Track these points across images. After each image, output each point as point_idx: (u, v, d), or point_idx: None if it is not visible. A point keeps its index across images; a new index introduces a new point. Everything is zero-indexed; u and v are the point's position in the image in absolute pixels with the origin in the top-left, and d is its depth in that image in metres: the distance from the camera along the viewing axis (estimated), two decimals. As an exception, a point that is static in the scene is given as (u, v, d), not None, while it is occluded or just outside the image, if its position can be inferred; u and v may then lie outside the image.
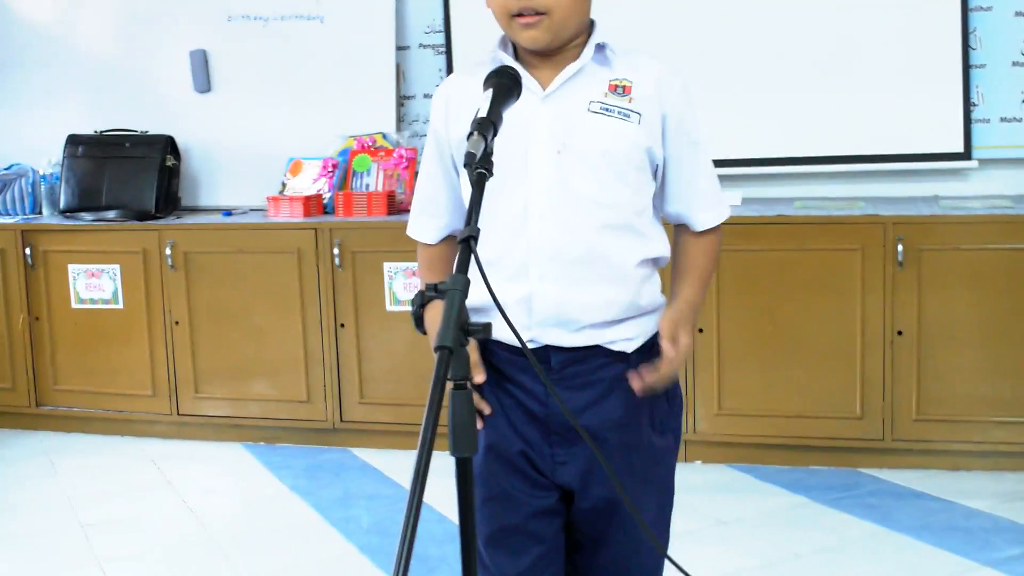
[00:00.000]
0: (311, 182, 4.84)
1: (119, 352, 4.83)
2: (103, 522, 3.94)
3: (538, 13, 1.84)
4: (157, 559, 3.63)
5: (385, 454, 4.52)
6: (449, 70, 4.89)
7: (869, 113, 4.44)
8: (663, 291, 2.00)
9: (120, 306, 4.81)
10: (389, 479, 4.28)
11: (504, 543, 1.94)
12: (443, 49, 4.95)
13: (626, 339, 1.91)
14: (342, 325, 4.54)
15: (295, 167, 4.89)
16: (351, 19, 4.96)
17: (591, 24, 1.93)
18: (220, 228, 4.73)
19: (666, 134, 1.92)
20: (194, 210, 5.13)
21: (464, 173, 1.92)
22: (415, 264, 2.13)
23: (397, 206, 4.63)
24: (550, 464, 1.93)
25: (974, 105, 4.38)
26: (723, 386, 4.19)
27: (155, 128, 5.08)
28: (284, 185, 4.88)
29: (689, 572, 1.82)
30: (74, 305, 4.87)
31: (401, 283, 4.45)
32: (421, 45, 5.03)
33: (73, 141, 5.08)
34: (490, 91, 1.73)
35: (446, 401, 1.43)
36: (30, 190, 5.17)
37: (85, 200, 4.97)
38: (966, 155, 4.39)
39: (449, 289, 1.46)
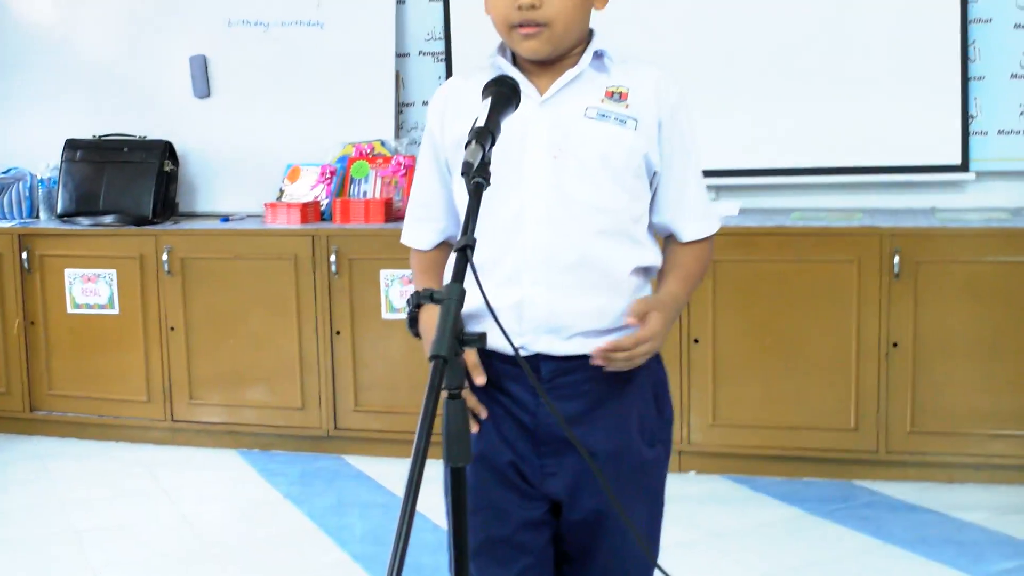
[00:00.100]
0: (309, 189, 4.84)
1: (114, 357, 4.82)
2: (97, 528, 3.93)
3: (539, 24, 1.84)
4: (150, 565, 3.62)
5: (379, 462, 4.52)
6: (449, 77, 4.89)
7: (867, 124, 4.44)
8: None
9: (116, 311, 4.80)
10: (383, 487, 4.28)
11: (492, 554, 1.93)
12: (443, 56, 4.95)
13: None
14: (338, 332, 4.54)
15: (293, 173, 4.89)
16: (351, 26, 4.97)
17: (590, 32, 1.94)
18: (217, 234, 4.73)
19: (660, 141, 1.92)
20: (191, 216, 5.12)
21: (458, 177, 1.93)
22: (410, 272, 2.13)
23: (394, 213, 4.63)
24: (539, 475, 1.92)
25: (972, 117, 4.38)
26: (718, 397, 4.19)
27: (154, 133, 5.08)
28: (282, 191, 4.88)
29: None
30: (70, 310, 4.86)
31: (397, 291, 4.45)
32: (421, 52, 5.03)
33: (71, 145, 5.08)
34: (489, 100, 1.73)
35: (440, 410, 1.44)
36: (27, 194, 5.17)
37: (82, 205, 4.97)
38: (964, 167, 4.40)
39: (445, 298, 1.46)
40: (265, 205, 4.75)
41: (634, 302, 1.86)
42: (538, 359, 1.88)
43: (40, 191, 5.13)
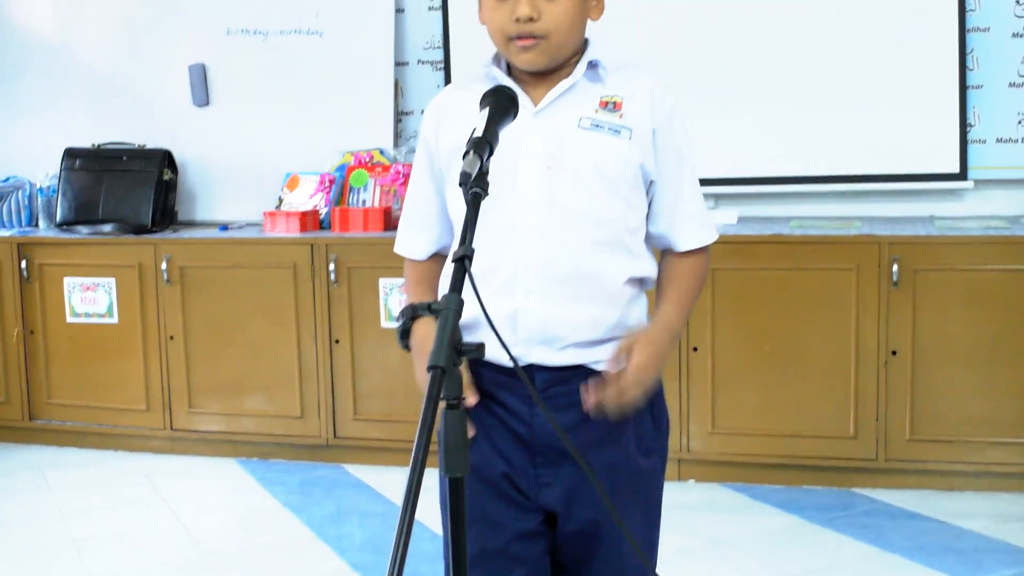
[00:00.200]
0: (308, 197, 4.84)
1: (113, 366, 4.82)
2: (95, 537, 3.93)
3: (536, 37, 1.85)
4: (149, 574, 3.62)
5: (378, 471, 4.51)
6: (448, 86, 4.89)
7: (866, 133, 4.44)
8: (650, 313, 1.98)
9: (115, 320, 4.80)
10: (382, 496, 4.28)
11: (487, 566, 1.92)
12: (442, 65, 4.96)
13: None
14: (337, 341, 4.54)
15: (292, 182, 4.89)
16: (350, 34, 4.98)
17: (585, 42, 1.94)
18: (216, 243, 4.73)
19: (655, 149, 1.91)
20: (190, 224, 5.13)
21: (451, 186, 1.93)
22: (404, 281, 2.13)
23: (393, 222, 4.63)
24: (534, 485, 1.92)
25: (971, 126, 4.39)
26: (717, 405, 4.19)
27: (153, 142, 5.08)
28: (281, 200, 4.88)
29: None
30: (69, 319, 4.86)
31: (396, 299, 4.45)
32: (420, 61, 5.04)
33: (70, 154, 5.08)
34: (486, 110, 1.73)
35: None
36: (27, 203, 5.17)
37: (81, 213, 4.97)
38: (962, 176, 4.40)
39: (443, 309, 1.46)
40: (264, 214, 4.75)
41: (622, 339, 1.85)
42: (532, 370, 1.88)
43: (39, 200, 5.13)
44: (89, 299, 4.82)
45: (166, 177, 4.97)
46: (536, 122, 1.89)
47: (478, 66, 1.97)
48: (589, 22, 1.93)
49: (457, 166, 1.64)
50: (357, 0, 4.96)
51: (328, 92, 5.00)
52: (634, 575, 1.96)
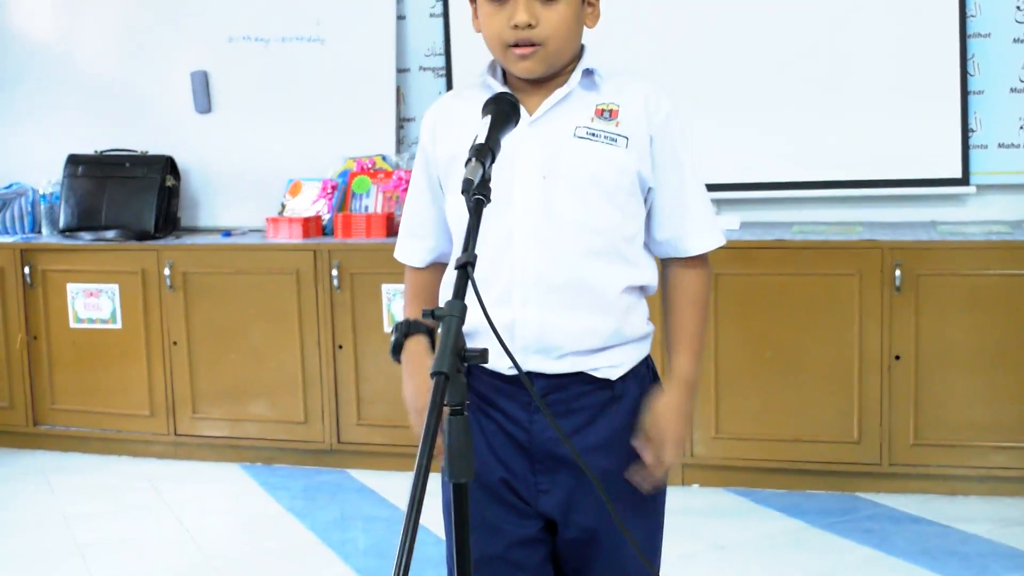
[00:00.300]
0: (310, 203, 4.84)
1: (117, 372, 4.83)
2: (99, 542, 3.93)
3: (533, 44, 1.84)
4: (153, 580, 3.63)
5: (382, 476, 4.51)
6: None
7: (868, 138, 4.45)
8: (651, 318, 1.97)
9: (118, 326, 4.81)
10: (386, 501, 4.28)
11: (487, 571, 1.91)
12: (443, 72, 4.97)
13: (610, 366, 1.90)
14: (340, 346, 4.54)
15: (294, 188, 4.90)
16: (352, 41, 4.98)
17: (581, 49, 1.93)
18: (219, 249, 4.74)
19: (654, 156, 1.90)
20: (193, 230, 5.13)
21: (449, 193, 1.94)
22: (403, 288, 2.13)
23: (396, 228, 4.56)
24: (533, 492, 1.91)
25: (972, 131, 4.39)
26: (721, 410, 4.19)
27: (155, 148, 5.09)
28: (283, 206, 4.89)
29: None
30: (72, 325, 4.87)
31: (399, 305, 4.45)
32: (421, 68, 5.05)
33: (73, 160, 5.09)
34: (488, 117, 1.72)
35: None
36: (30, 209, 5.18)
37: (84, 220, 4.98)
38: (964, 181, 4.40)
39: (446, 315, 1.46)
40: (267, 220, 4.76)
41: (645, 421, 1.91)
42: (530, 377, 1.86)
43: (42, 206, 5.14)
44: (92, 305, 4.83)
45: (169, 183, 4.98)
46: (532, 131, 1.88)
47: (474, 74, 1.97)
48: (585, 29, 1.92)
49: (454, 174, 1.64)
50: (358, 7, 4.97)
51: (330, 99, 5.01)
52: None
